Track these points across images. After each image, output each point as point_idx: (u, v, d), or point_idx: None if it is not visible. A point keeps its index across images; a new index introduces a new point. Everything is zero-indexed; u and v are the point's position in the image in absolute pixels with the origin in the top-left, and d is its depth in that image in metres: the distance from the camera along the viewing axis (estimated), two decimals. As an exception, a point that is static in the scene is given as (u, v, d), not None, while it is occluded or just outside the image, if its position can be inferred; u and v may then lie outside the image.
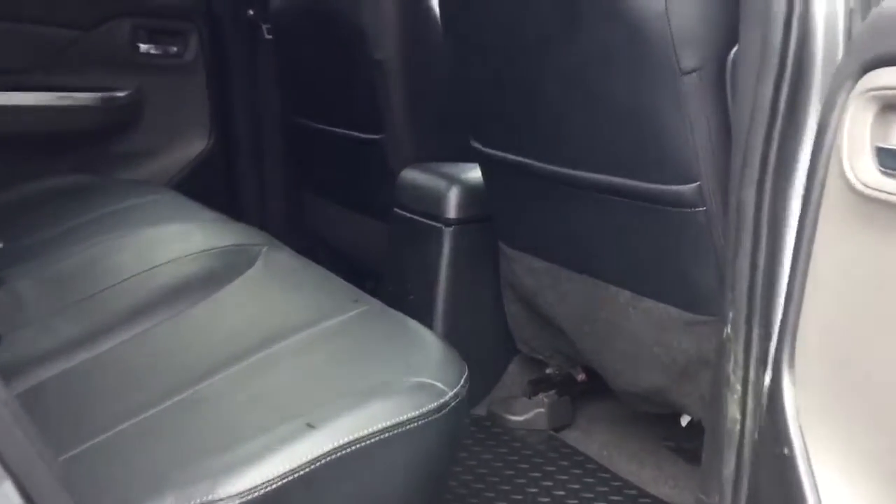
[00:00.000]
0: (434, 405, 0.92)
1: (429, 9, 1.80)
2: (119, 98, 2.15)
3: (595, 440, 1.63)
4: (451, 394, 0.94)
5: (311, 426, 0.83)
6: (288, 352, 1.05)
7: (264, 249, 1.41)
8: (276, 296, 1.26)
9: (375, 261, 2.00)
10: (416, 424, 0.89)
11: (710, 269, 1.20)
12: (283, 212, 2.42)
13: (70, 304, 1.31)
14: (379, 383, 0.94)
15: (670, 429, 1.53)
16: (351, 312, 1.16)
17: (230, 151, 2.34)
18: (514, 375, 1.80)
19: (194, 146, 2.29)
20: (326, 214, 2.27)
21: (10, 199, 1.86)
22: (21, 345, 1.20)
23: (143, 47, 2.18)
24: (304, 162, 2.32)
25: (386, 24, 1.80)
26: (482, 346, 1.77)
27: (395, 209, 1.83)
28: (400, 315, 1.18)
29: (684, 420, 1.47)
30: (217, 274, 1.32)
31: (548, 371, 1.73)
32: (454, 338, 1.72)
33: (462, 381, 0.99)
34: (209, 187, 2.33)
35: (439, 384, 0.95)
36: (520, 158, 1.45)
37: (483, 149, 1.54)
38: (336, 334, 1.10)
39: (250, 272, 1.33)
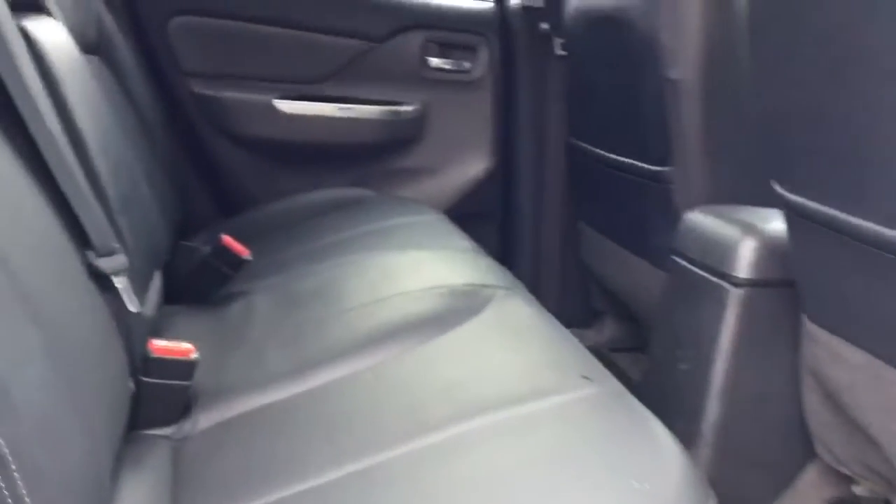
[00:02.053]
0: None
1: (736, 19, 1.47)
2: (404, 113, 2.10)
3: None
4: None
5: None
6: (477, 437, 0.84)
7: (499, 293, 1.21)
8: (494, 355, 1.05)
9: (651, 310, 1.71)
10: None
11: None
12: (558, 241, 2.21)
13: (291, 328, 1.23)
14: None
15: None
16: (574, 394, 0.91)
17: (511, 173, 2.19)
18: (810, 487, 1.40)
19: (474, 166, 2.18)
20: (602, 250, 2.02)
21: (282, 210, 1.89)
22: (230, 369, 1.13)
23: (433, 61, 2.11)
24: (582, 190, 2.09)
25: (686, 37, 1.50)
26: (768, 441, 1.40)
27: (674, 257, 1.53)
28: (639, 410, 0.90)
29: None
30: (440, 317, 1.15)
31: (856, 490, 1.32)
32: (733, 426, 1.39)
33: None
34: (485, 209, 2.22)
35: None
36: (839, 213, 1.08)
37: (788, 195, 1.19)
38: (544, 424, 0.86)
39: (475, 319, 1.14)
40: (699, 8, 1.52)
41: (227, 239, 1.40)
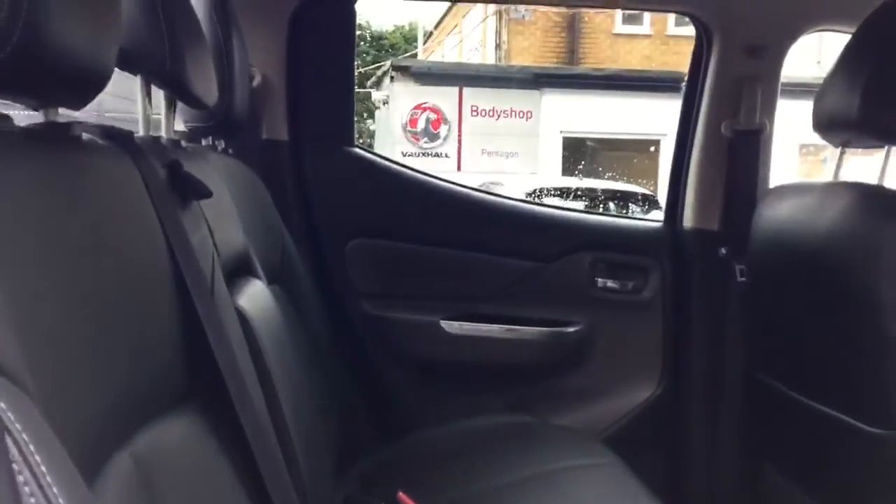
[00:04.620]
0: None
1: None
2: (568, 334, 2.02)
3: None
4: None
5: None
6: None
7: None
8: None
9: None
10: None
11: None
12: (734, 482, 2.00)
13: None
14: None
15: None
16: None
17: (680, 403, 2.03)
18: None
19: (639, 393, 2.04)
20: (791, 501, 1.80)
21: (442, 436, 1.79)
22: None
23: (600, 282, 2.03)
24: (767, 429, 1.90)
25: (912, 295, 1.36)
26: None
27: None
28: None
29: None
30: None
31: None
32: None
33: None
34: (650, 440, 2.05)
35: None
36: None
37: None
38: None
39: None
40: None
41: (403, 497, 1.31)
